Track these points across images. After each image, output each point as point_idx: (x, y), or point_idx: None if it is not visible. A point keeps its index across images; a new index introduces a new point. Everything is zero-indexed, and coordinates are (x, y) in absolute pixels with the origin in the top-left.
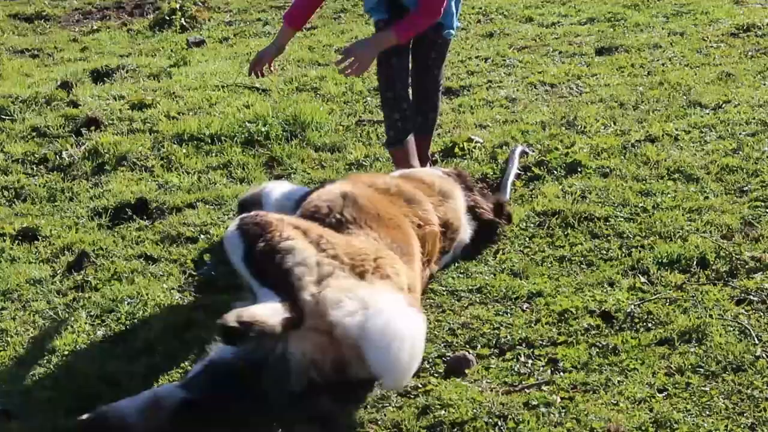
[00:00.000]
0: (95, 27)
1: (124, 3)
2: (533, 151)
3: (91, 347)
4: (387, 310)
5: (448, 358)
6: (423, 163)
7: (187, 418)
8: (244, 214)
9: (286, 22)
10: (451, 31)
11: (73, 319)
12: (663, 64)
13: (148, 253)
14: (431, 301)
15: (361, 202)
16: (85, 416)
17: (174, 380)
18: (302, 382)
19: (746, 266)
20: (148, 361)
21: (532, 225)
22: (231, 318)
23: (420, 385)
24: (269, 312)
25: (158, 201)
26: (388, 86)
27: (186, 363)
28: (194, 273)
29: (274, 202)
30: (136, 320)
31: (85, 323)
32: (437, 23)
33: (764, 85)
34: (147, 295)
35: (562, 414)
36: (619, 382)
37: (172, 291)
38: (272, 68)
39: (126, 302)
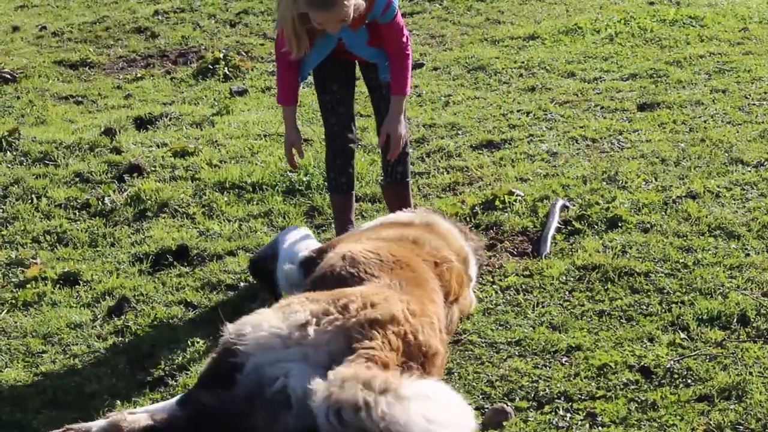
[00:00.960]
0: (139, 74)
1: (168, 51)
2: (574, 205)
3: (130, 392)
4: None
5: (486, 410)
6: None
7: None
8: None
9: (282, 103)
10: (386, 76)
11: (112, 363)
12: (705, 121)
13: (188, 300)
14: (470, 352)
15: (358, 258)
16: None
17: None
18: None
19: None
20: None
21: (572, 279)
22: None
23: None
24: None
25: (199, 248)
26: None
27: None
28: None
29: (284, 273)
30: (175, 365)
31: (125, 368)
32: (374, 67)
33: None
34: (186, 341)
35: None
36: None
37: (211, 338)
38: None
39: (165, 348)
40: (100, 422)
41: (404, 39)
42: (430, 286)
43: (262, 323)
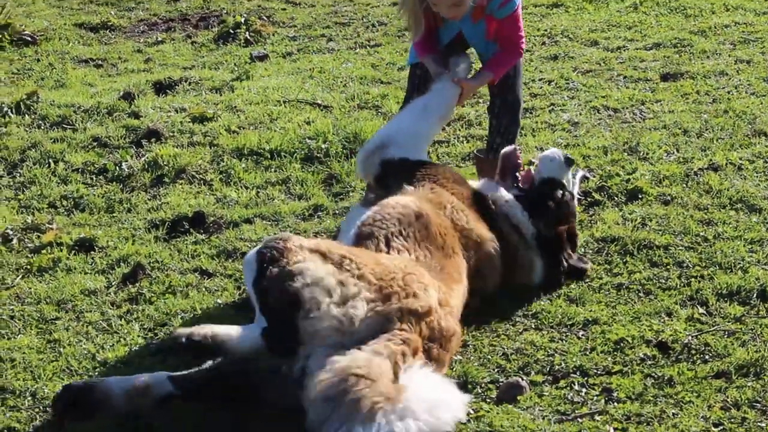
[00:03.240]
0: (160, 38)
1: (189, 15)
2: (594, 176)
3: (143, 360)
4: None
5: (501, 383)
6: None
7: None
8: (269, 237)
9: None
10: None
11: (125, 331)
12: (728, 92)
13: (204, 268)
14: (486, 325)
15: (431, 229)
16: (74, 383)
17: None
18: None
19: None
20: None
21: (590, 251)
22: (182, 333)
23: (471, 411)
24: (233, 333)
25: (216, 215)
26: None
27: None
28: None
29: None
30: None
31: (138, 336)
32: None
33: None
34: (201, 309)
35: None
36: (673, 414)
37: (225, 306)
38: None
39: (179, 316)
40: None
41: (520, 36)
42: (457, 261)
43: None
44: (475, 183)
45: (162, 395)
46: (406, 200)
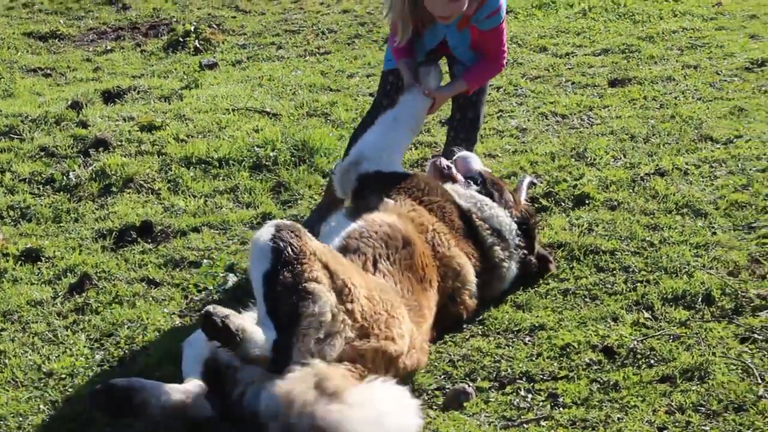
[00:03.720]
0: (109, 47)
1: (139, 24)
2: (541, 182)
3: (89, 371)
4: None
5: (448, 390)
6: None
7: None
8: (282, 223)
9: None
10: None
11: (72, 342)
12: (675, 98)
13: (151, 277)
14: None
15: (415, 259)
16: (118, 380)
17: None
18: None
19: (752, 304)
20: None
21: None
22: (219, 313)
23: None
24: (257, 338)
25: (163, 224)
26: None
27: None
28: (195, 297)
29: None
30: (135, 344)
31: (84, 346)
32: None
33: None
34: (147, 319)
35: None
36: (618, 419)
37: (172, 316)
38: None
39: (126, 326)
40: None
41: (503, 50)
42: (431, 296)
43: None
44: (448, 186)
45: (200, 417)
46: (392, 220)
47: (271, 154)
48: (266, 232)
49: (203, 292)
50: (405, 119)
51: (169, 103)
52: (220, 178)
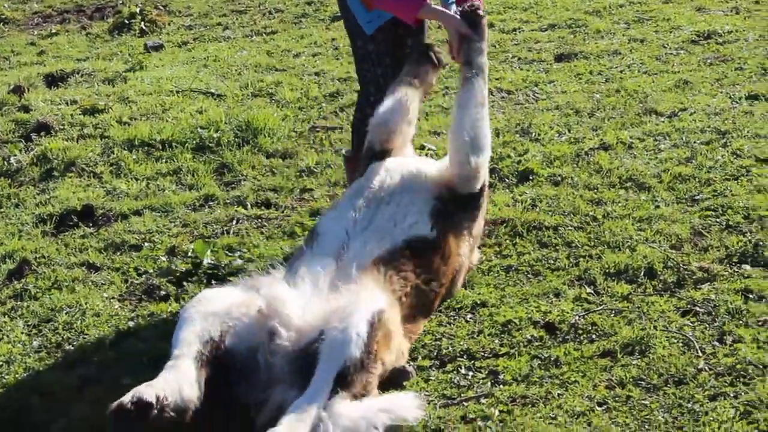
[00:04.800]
0: (54, 31)
1: (85, 7)
2: None
3: (26, 358)
4: None
5: None
6: None
7: None
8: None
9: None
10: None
11: (9, 328)
12: (621, 71)
13: (91, 261)
14: None
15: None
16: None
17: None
18: None
19: (693, 277)
20: (83, 372)
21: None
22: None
23: None
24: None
25: (105, 208)
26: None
27: (119, 373)
28: (135, 281)
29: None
30: (73, 330)
31: (22, 333)
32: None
33: (721, 92)
34: (86, 304)
35: (499, 428)
36: (558, 395)
37: (111, 300)
38: None
39: (65, 312)
40: None
41: None
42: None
43: None
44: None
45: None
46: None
47: (215, 135)
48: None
49: (143, 276)
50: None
51: (113, 86)
52: (163, 160)
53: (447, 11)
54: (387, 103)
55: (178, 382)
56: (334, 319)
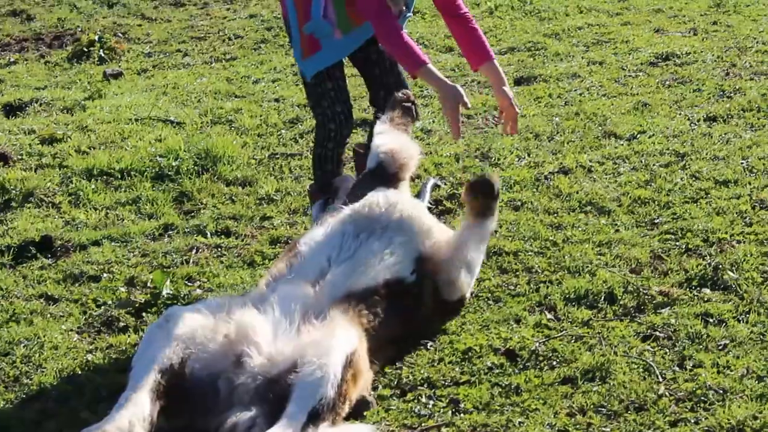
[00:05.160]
0: (12, 59)
1: (44, 35)
2: (445, 184)
3: None
4: None
5: None
6: None
7: None
8: None
9: (424, 62)
10: None
11: None
12: (580, 94)
13: (49, 293)
14: None
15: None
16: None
17: (65, 426)
18: None
19: (654, 301)
20: (41, 406)
21: None
22: None
23: None
24: None
25: (63, 238)
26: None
27: (78, 407)
28: (94, 313)
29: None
30: (31, 363)
31: None
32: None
33: (680, 114)
34: (44, 337)
35: None
36: (519, 423)
37: (70, 332)
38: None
39: (22, 345)
40: None
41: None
42: None
43: None
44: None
45: None
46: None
47: (174, 163)
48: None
49: (102, 307)
50: None
51: (72, 115)
52: (122, 189)
53: (446, 81)
54: (403, 137)
55: (130, 420)
56: (310, 354)
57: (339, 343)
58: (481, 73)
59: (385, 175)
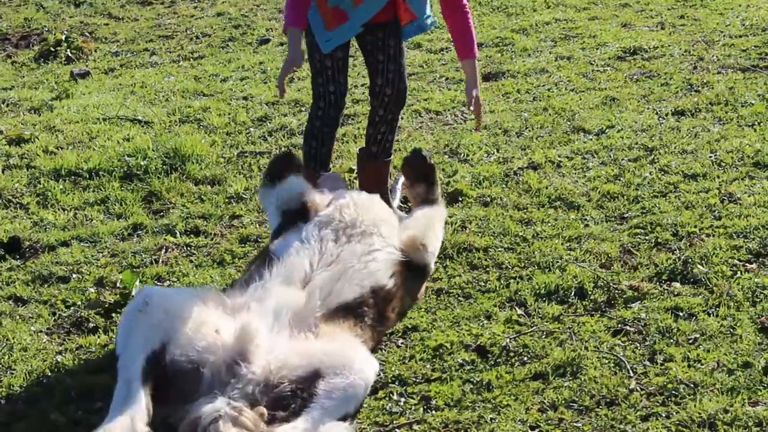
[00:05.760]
0: None
1: (10, 35)
2: None
3: None
4: None
5: None
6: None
7: None
8: None
9: (292, 25)
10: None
11: None
12: (549, 89)
13: (18, 295)
14: None
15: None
16: None
17: (35, 428)
18: None
19: (624, 296)
20: (10, 408)
21: None
22: None
23: None
24: None
25: (32, 239)
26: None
27: (47, 408)
28: (63, 314)
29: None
30: (0, 365)
31: None
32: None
33: (648, 109)
34: (13, 339)
35: None
36: (491, 419)
37: (39, 334)
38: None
39: None
40: None
41: None
42: None
43: None
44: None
45: None
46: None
47: (142, 163)
48: None
49: (71, 308)
50: None
51: (40, 115)
52: (91, 189)
53: (295, 49)
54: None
55: (132, 417)
56: (332, 364)
57: (364, 358)
58: (462, 66)
59: None
